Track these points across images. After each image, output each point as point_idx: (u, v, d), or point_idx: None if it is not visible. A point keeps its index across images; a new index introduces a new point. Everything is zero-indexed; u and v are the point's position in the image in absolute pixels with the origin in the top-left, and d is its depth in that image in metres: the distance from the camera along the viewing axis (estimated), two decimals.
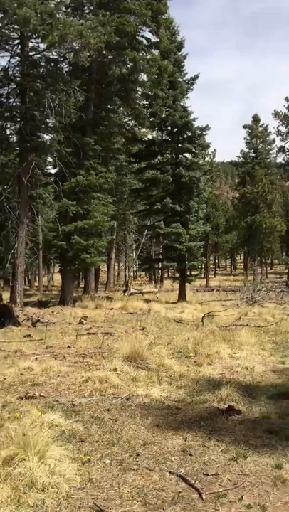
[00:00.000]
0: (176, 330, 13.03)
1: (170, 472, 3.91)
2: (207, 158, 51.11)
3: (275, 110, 56.24)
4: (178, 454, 4.29)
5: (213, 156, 53.41)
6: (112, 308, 18.72)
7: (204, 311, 17.24)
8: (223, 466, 4.06)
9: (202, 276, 54.59)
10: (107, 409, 5.49)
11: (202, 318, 14.26)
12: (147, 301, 23.88)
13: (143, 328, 12.94)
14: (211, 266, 73.98)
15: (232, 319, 15.48)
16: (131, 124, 25.25)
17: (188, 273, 28.77)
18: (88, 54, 19.85)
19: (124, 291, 32.64)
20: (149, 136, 29.46)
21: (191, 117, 25.36)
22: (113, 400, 5.84)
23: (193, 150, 26.40)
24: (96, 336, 11.51)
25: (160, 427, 4.94)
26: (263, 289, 34.02)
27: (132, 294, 31.61)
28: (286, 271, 59.22)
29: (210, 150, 51.84)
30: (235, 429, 4.90)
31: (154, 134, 29.74)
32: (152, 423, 5.05)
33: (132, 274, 59.11)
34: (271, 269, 77.93)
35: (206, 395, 6.06)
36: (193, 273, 37.39)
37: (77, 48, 18.75)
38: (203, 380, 6.92)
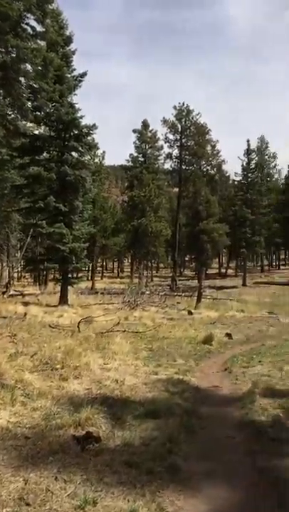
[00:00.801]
0: (49, 337, 12.04)
1: None
2: (96, 160, 50.67)
3: (163, 118, 57.67)
4: (13, 503, 3.43)
5: (103, 158, 53.12)
6: None
7: (84, 316, 16.49)
8: None
9: (88, 278, 53.93)
10: None
11: (78, 324, 13.46)
12: (26, 303, 22.48)
13: (13, 335, 11.81)
14: (99, 268, 73.60)
15: (111, 324, 14.90)
16: (13, 115, 23.66)
17: (72, 275, 27.88)
18: None
19: (4, 293, 30.70)
20: (36, 132, 28.06)
21: (78, 115, 24.57)
22: None
23: (80, 149, 25.58)
24: None
25: None
26: (147, 292, 34.22)
27: (12, 295, 29.80)
28: (171, 274, 60.66)
29: (99, 152, 51.54)
30: (90, 464, 4.16)
31: (42, 129, 28.40)
32: None
33: (16, 274, 56.40)
34: (157, 272, 79.60)
35: (64, 418, 5.26)
36: (80, 275, 36.59)
37: None
38: (65, 399, 6.12)
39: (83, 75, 25.86)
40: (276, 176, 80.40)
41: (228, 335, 13.95)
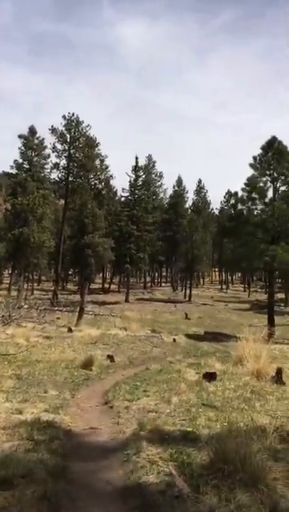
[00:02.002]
0: None
1: None
2: None
3: (52, 126, 55.76)
4: None
5: None
6: None
7: None
8: None
9: None
10: None
11: None
12: None
13: None
14: None
15: None
16: None
17: None
18: None
19: None
20: None
21: None
22: None
23: None
24: None
25: None
26: (25, 306, 31.85)
27: None
28: (53, 288, 58.29)
29: None
30: None
31: None
32: None
33: None
34: (39, 285, 76.42)
35: None
36: None
37: None
38: None
39: None
40: (161, 195, 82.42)
41: (110, 357, 12.72)
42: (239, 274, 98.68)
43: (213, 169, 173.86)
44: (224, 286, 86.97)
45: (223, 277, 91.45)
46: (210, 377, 9.28)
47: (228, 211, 74.89)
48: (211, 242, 76.36)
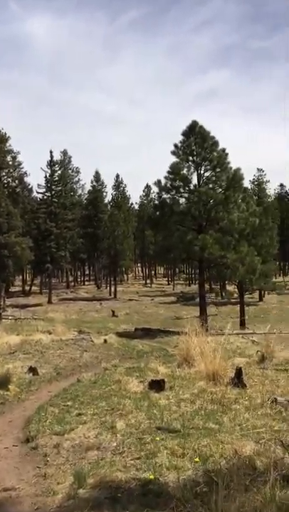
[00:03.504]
0: None
1: None
2: None
3: None
4: None
5: None
6: None
7: None
8: None
9: None
10: None
11: None
12: None
13: None
14: None
15: None
16: None
17: None
18: None
19: None
20: None
21: None
22: None
23: None
24: None
25: None
26: None
27: None
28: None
29: None
30: None
31: None
32: None
33: None
34: None
35: None
36: None
37: None
38: None
39: None
40: (80, 191, 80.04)
41: (33, 369, 10.60)
42: (162, 268, 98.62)
43: (130, 164, 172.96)
44: (148, 281, 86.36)
45: (147, 272, 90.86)
46: (158, 386, 7.60)
47: (149, 204, 74.41)
48: (132, 237, 75.23)
